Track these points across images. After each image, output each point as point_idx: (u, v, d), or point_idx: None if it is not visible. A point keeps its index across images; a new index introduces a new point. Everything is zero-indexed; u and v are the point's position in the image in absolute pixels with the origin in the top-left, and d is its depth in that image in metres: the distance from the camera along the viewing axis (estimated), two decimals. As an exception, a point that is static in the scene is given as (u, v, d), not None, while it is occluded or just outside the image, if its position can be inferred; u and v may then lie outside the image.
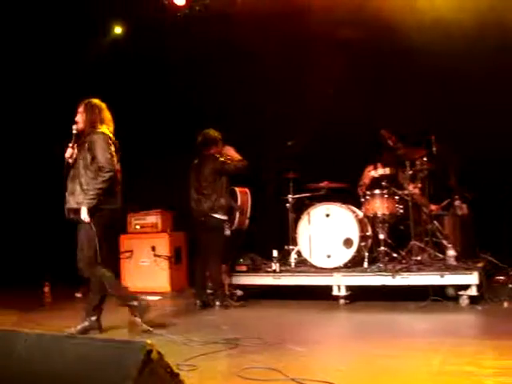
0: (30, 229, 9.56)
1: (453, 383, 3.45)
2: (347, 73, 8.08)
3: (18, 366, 2.51)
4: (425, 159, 7.10)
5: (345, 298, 6.50)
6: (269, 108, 8.74)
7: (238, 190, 7.06)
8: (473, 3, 7.13)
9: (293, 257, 7.32)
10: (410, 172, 7.13)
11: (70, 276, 6.06)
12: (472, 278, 6.01)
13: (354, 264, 6.93)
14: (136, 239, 8.72)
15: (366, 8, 7.61)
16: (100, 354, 2.37)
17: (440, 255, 6.83)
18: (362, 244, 6.98)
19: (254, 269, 7.36)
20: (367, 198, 7.17)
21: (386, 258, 6.80)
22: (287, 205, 7.60)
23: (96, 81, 8.87)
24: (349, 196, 7.53)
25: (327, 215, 7.09)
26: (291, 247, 7.44)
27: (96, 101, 5.38)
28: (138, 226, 8.79)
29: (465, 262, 6.67)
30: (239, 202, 6.99)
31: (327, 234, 7.02)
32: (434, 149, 7.11)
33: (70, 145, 5.27)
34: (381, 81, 8.14)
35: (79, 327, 5.14)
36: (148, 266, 8.54)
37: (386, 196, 7.04)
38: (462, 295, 6.05)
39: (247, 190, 7.22)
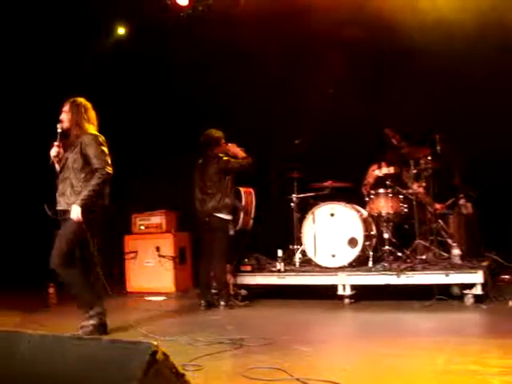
0: (34, 229, 9.55)
1: (458, 382, 3.44)
2: (351, 72, 8.09)
3: (21, 367, 2.50)
4: (429, 158, 7.09)
5: (349, 297, 6.50)
6: (272, 108, 8.75)
7: (242, 190, 7.06)
8: (474, 3, 7.11)
9: (297, 256, 7.32)
10: (415, 171, 7.11)
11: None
12: (477, 277, 6.00)
13: (358, 263, 6.93)
14: (140, 240, 8.73)
15: (369, 8, 7.60)
16: (104, 355, 2.35)
17: (445, 254, 6.82)
18: (367, 243, 6.97)
19: (259, 268, 7.36)
20: (371, 197, 7.18)
21: (391, 257, 6.79)
22: (292, 204, 7.60)
23: (99, 81, 8.91)
24: (353, 195, 7.53)
25: (332, 215, 7.09)
26: (296, 247, 7.44)
27: (81, 100, 5.30)
28: (142, 227, 8.79)
29: (470, 260, 6.65)
30: (243, 202, 6.98)
31: (332, 233, 7.02)
32: (439, 148, 7.11)
33: (56, 143, 5.23)
34: (385, 80, 8.13)
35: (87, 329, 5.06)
36: (153, 266, 8.54)
37: (390, 195, 7.04)
38: (466, 294, 6.04)
39: (252, 191, 7.20)
